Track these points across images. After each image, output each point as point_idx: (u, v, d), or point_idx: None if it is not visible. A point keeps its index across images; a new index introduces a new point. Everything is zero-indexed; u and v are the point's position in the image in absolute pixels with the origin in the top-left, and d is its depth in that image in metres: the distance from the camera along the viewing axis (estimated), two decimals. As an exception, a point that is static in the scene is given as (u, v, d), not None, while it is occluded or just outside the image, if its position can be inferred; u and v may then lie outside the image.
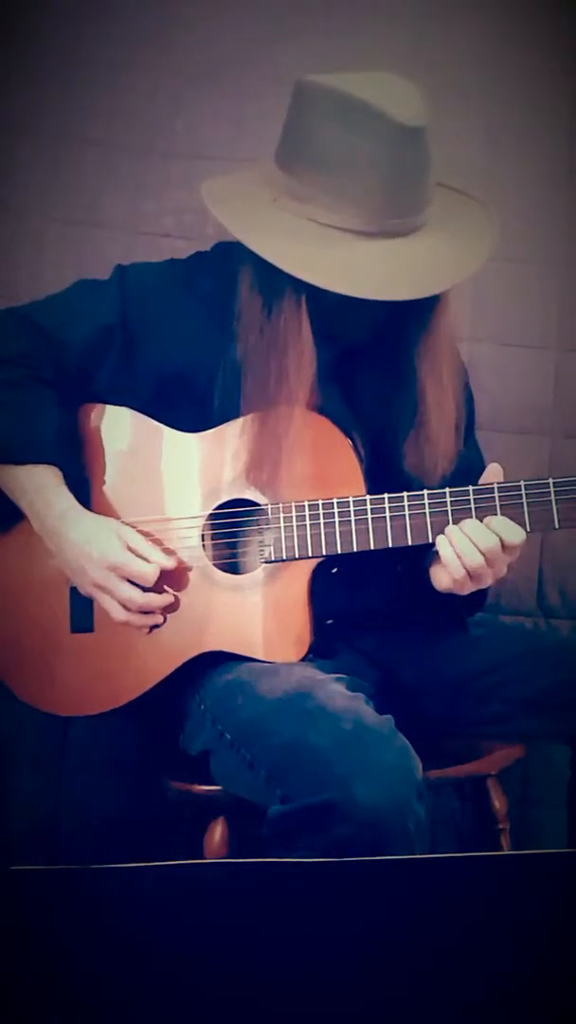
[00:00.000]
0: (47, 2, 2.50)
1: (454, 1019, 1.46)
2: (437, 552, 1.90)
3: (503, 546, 1.87)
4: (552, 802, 2.35)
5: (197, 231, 2.42)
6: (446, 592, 1.92)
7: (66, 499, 1.96)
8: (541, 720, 2.02)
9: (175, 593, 1.96)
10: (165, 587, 1.95)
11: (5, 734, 2.37)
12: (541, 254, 2.49)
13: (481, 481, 1.91)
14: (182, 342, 1.99)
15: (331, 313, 1.90)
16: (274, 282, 1.88)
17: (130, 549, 1.93)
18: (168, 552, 1.96)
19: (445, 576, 1.90)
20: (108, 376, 2.02)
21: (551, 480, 1.89)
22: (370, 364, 2.00)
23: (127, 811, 2.38)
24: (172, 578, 1.96)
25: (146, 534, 1.97)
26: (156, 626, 1.96)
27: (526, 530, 1.88)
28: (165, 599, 1.95)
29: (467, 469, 2.02)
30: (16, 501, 1.99)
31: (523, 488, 1.88)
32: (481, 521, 1.87)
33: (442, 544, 1.88)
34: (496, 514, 1.88)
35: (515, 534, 1.87)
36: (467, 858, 1.59)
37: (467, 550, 1.87)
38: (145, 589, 1.93)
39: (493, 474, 1.92)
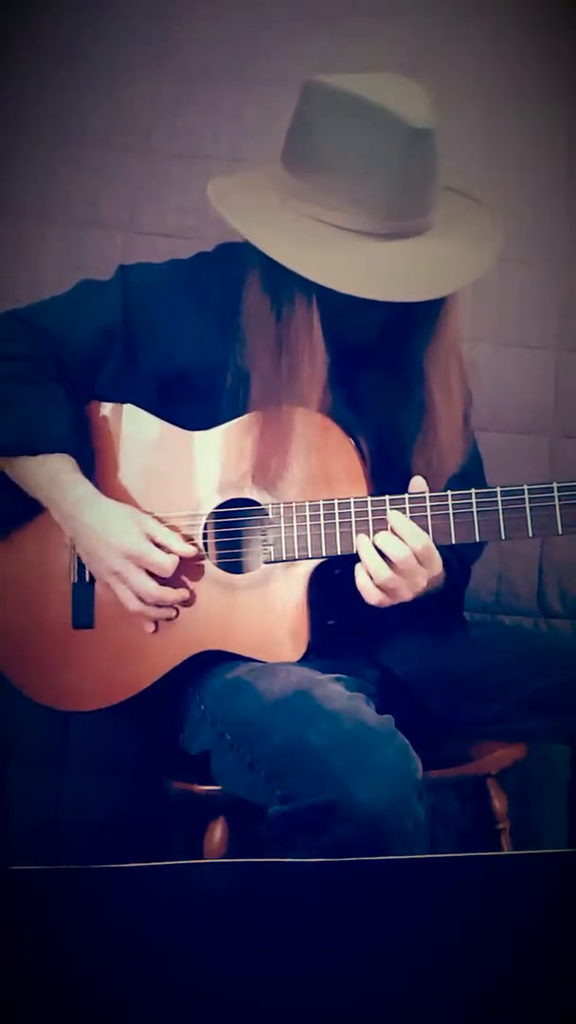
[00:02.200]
0: (47, 2, 2.51)
1: (454, 1019, 1.46)
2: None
3: (416, 557, 1.86)
4: (552, 802, 2.35)
5: (197, 231, 2.43)
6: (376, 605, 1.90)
7: (81, 485, 1.96)
8: (541, 720, 2.01)
9: (191, 588, 1.96)
10: (183, 578, 1.94)
11: (5, 733, 2.38)
12: (541, 254, 2.50)
13: (411, 490, 1.90)
14: (184, 342, 1.99)
15: (339, 314, 1.89)
16: (283, 283, 1.88)
17: (149, 537, 1.93)
18: (187, 541, 1.95)
19: (365, 591, 1.88)
20: (111, 375, 2.02)
21: (555, 484, 1.86)
22: (375, 365, 1.99)
23: (127, 811, 2.38)
24: (185, 572, 1.96)
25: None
26: (157, 623, 1.96)
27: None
28: (180, 594, 1.95)
29: (470, 469, 2.03)
30: (32, 493, 1.98)
31: (526, 492, 1.86)
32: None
33: (359, 570, 1.88)
34: (499, 518, 1.87)
35: (417, 538, 1.86)
36: (467, 858, 1.59)
37: (376, 566, 1.86)
38: (161, 581, 1.93)
39: (418, 485, 1.91)
